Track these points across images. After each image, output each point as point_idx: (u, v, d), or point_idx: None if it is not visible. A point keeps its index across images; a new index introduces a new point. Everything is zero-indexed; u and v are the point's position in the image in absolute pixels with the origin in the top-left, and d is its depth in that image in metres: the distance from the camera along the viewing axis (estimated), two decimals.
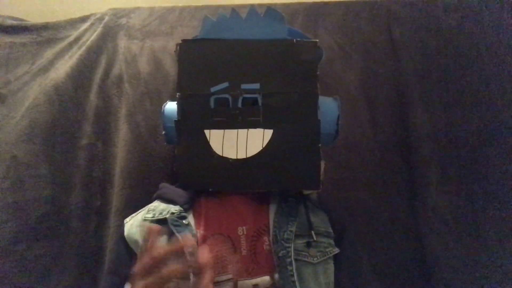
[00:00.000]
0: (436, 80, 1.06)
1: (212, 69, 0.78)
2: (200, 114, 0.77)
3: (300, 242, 0.73)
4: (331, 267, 0.73)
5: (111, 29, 1.18)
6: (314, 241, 0.74)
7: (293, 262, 0.69)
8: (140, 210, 0.83)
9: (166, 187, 0.85)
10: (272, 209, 0.77)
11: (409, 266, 1.00)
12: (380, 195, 1.04)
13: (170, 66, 1.12)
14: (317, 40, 0.78)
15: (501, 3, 1.08)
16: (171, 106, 0.83)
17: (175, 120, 0.78)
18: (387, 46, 1.10)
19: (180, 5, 1.20)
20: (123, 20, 1.19)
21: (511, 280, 0.96)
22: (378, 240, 1.01)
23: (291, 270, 0.69)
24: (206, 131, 0.76)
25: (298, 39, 0.78)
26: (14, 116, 1.10)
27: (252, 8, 0.78)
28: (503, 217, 0.99)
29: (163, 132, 0.83)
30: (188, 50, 0.80)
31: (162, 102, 1.08)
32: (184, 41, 0.80)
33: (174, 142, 0.82)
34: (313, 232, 0.74)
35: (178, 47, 0.80)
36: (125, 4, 1.23)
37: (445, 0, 1.11)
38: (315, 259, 0.72)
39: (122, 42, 1.16)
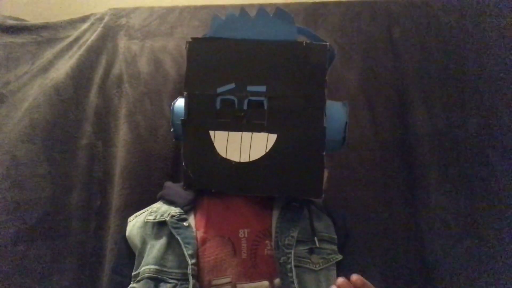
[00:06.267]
0: (436, 80, 1.06)
1: (220, 69, 0.77)
2: (206, 114, 0.76)
3: (302, 248, 0.72)
4: (334, 274, 0.71)
5: (111, 29, 1.18)
6: (317, 247, 0.72)
7: (293, 269, 0.68)
8: (143, 210, 0.82)
9: (169, 187, 0.85)
10: (275, 213, 0.76)
11: (409, 266, 1.00)
12: (380, 195, 1.04)
13: (170, 66, 1.12)
14: (327, 43, 0.76)
15: (501, 3, 1.08)
16: (180, 103, 0.82)
17: (181, 119, 0.78)
18: (387, 46, 1.10)
19: (180, 5, 1.20)
20: (123, 20, 1.19)
21: (511, 279, 0.96)
22: (378, 240, 1.01)
23: (291, 277, 0.67)
24: (211, 132, 0.76)
25: (308, 41, 0.77)
26: (14, 116, 1.10)
27: (261, 8, 0.77)
28: (503, 217, 0.99)
29: (172, 129, 0.83)
30: (197, 48, 0.78)
31: (162, 102, 1.09)
32: (193, 39, 0.79)
33: (181, 139, 0.81)
34: (316, 239, 0.73)
35: (187, 45, 0.79)
36: (125, 4, 1.23)
37: (445, 0, 1.11)
38: (317, 266, 0.71)
39: (122, 42, 1.16)
